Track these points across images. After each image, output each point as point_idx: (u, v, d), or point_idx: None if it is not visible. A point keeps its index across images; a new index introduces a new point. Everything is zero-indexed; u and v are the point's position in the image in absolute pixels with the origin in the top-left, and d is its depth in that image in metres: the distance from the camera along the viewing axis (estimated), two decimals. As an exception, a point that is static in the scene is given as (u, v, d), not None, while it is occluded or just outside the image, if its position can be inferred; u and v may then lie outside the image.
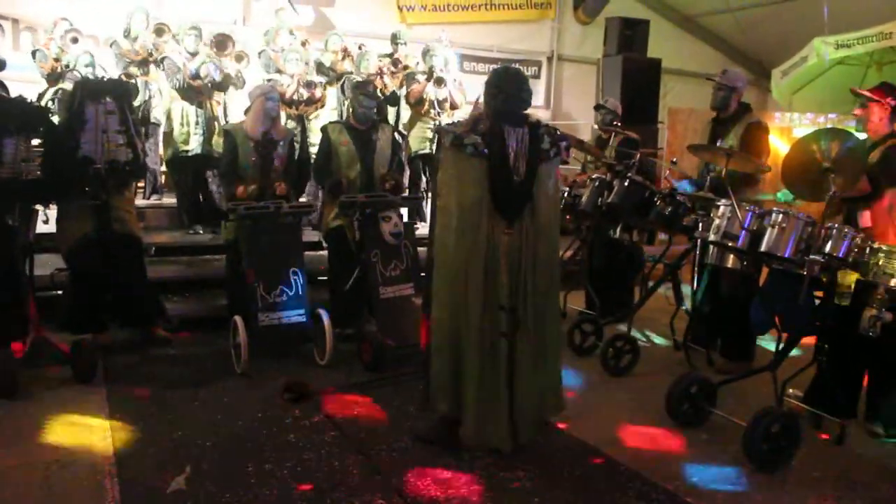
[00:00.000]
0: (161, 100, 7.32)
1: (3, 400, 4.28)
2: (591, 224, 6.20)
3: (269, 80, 7.35)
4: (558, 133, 3.88)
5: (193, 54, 7.00)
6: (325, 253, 6.21)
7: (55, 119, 5.18)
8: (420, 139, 7.70)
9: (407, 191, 7.55)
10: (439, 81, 7.58)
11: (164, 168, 8.16)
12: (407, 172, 7.59)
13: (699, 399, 4.24)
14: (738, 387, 4.45)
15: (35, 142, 4.69)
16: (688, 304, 5.49)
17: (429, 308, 3.82)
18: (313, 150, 6.42)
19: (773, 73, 10.53)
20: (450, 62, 8.03)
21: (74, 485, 3.37)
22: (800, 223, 3.87)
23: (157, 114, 7.37)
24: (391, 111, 8.14)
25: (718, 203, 4.39)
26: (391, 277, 5.30)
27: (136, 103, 6.21)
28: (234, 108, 7.49)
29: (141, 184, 7.10)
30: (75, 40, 7.02)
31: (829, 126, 7.61)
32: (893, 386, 4.13)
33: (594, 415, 4.42)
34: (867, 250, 3.80)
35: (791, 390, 4.27)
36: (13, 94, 4.90)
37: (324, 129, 5.71)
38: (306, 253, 5.49)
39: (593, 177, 5.87)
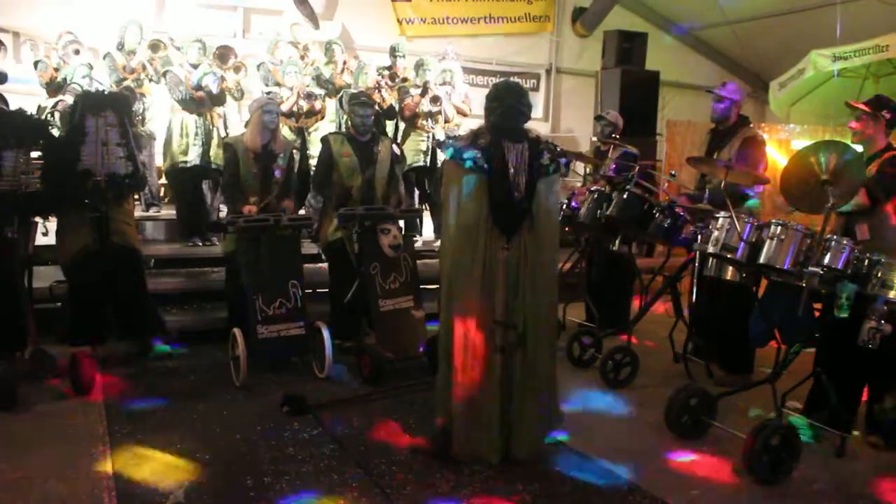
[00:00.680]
0: (153, 113, 7.34)
1: (2, 412, 4.27)
2: (591, 236, 6.21)
3: (268, 93, 7.38)
4: (558, 150, 3.90)
5: (195, 66, 7.02)
6: (324, 265, 6.21)
7: (54, 132, 5.19)
8: (414, 152, 7.71)
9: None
10: (435, 100, 7.59)
11: (161, 180, 8.18)
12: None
13: (699, 411, 4.23)
14: (738, 399, 4.44)
15: (34, 154, 4.71)
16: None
17: None
18: (313, 161, 6.43)
19: (771, 86, 10.55)
20: (456, 75, 8.04)
21: (73, 498, 3.35)
22: (798, 235, 3.87)
23: (151, 126, 7.39)
24: (389, 124, 8.14)
25: (717, 215, 4.39)
26: (390, 290, 5.30)
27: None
28: (233, 119, 7.51)
29: (137, 196, 7.09)
30: (77, 52, 7.04)
31: (827, 138, 7.62)
32: (893, 397, 4.13)
33: (593, 427, 4.40)
34: (866, 262, 3.81)
35: (791, 402, 4.27)
36: (13, 106, 4.91)
37: (325, 140, 5.72)
38: (305, 265, 5.49)
39: (592, 189, 5.88)
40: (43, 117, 6.35)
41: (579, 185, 7.00)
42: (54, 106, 6.59)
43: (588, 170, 6.92)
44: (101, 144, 4.86)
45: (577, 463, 3.90)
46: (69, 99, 6.27)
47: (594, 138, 7.67)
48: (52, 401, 4.52)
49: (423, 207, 7.89)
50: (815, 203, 3.99)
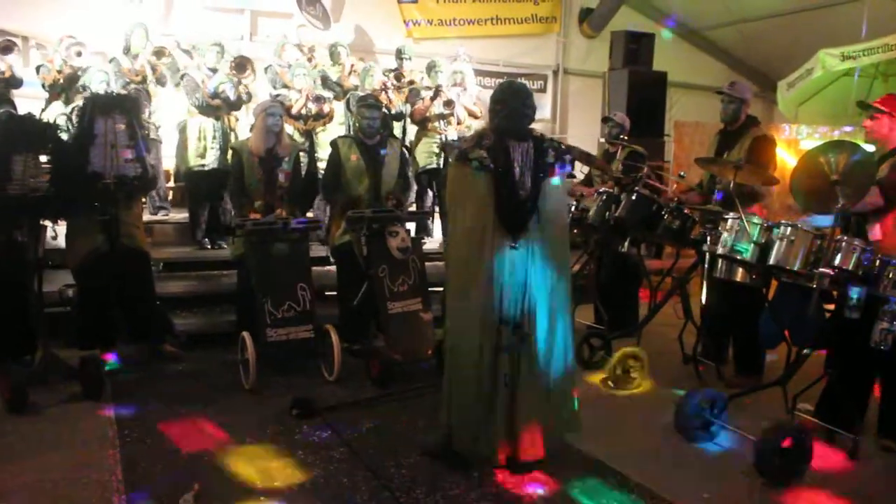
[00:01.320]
0: (159, 116, 7.36)
1: (12, 416, 4.29)
2: (599, 238, 6.19)
3: (276, 96, 7.38)
4: (562, 146, 3.88)
5: (213, 70, 7.03)
6: (332, 268, 6.21)
7: (63, 136, 5.20)
8: (427, 154, 7.72)
9: (414, 206, 7.57)
10: (448, 104, 7.59)
11: (169, 183, 8.19)
12: (414, 188, 7.60)
13: (709, 414, 4.21)
14: (749, 401, 4.42)
15: (43, 158, 4.72)
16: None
17: None
18: (322, 164, 6.42)
19: (779, 85, 10.52)
20: (467, 76, 8.04)
21: (83, 502, 3.36)
22: (808, 236, 3.85)
23: (158, 129, 7.40)
24: (397, 126, 8.15)
25: (726, 216, 4.38)
26: (399, 293, 5.29)
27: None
28: (245, 123, 7.52)
29: (144, 199, 7.10)
30: (79, 54, 7.07)
31: (836, 138, 7.61)
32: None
33: (603, 430, 4.38)
34: (877, 262, 3.78)
35: (802, 404, 4.25)
36: (22, 110, 4.93)
37: (333, 144, 5.72)
38: (314, 268, 5.49)
39: (600, 190, 5.87)
40: (52, 121, 6.37)
41: (576, 180, 6.99)
42: (72, 111, 6.61)
43: (594, 170, 6.89)
44: (109, 147, 4.86)
45: (587, 465, 3.89)
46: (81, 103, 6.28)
47: (602, 139, 7.65)
48: (61, 404, 4.52)
49: (434, 209, 7.89)
50: (825, 204, 3.97)
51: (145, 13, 8.43)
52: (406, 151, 6.46)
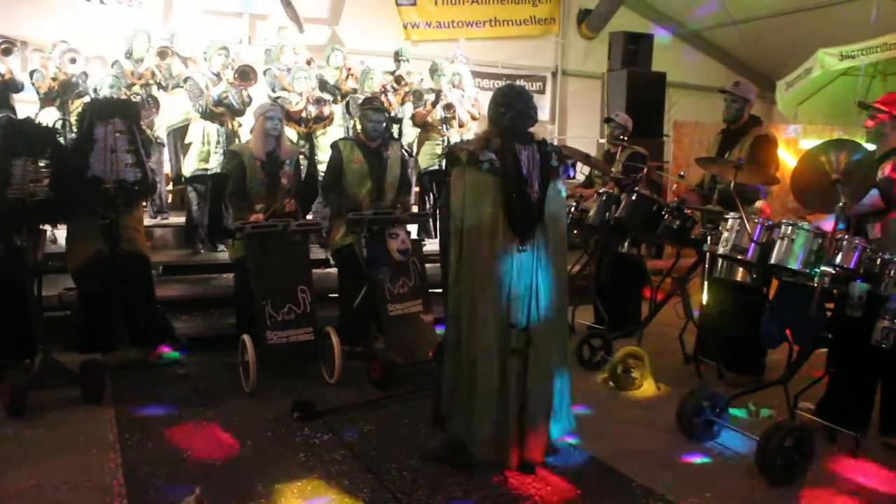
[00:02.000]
0: (162, 119, 7.36)
1: (13, 420, 4.28)
2: (599, 238, 6.19)
3: (276, 99, 7.38)
4: (560, 151, 3.92)
5: (217, 75, 7.02)
6: (333, 271, 6.21)
7: (62, 140, 5.19)
8: (430, 156, 7.72)
9: (416, 208, 7.57)
10: (449, 107, 7.60)
11: (168, 187, 8.19)
12: (415, 189, 7.61)
13: (711, 413, 4.20)
14: (750, 400, 4.41)
15: (42, 163, 4.71)
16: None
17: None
18: (322, 167, 6.42)
19: (778, 85, 10.53)
20: (465, 78, 8.04)
21: (84, 506, 3.36)
22: (809, 234, 3.85)
23: (159, 133, 7.40)
24: (394, 128, 8.14)
25: (727, 216, 4.37)
26: (399, 295, 5.29)
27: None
28: (247, 127, 7.52)
29: (145, 203, 7.10)
30: (73, 60, 7.07)
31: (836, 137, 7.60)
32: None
33: (605, 430, 4.38)
34: (878, 261, 3.78)
35: (803, 403, 4.24)
36: (21, 114, 4.92)
37: (335, 146, 5.71)
38: (314, 271, 5.49)
39: (601, 191, 5.87)
40: (52, 125, 6.37)
41: (576, 181, 6.99)
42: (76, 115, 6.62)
43: (594, 171, 6.90)
44: (109, 151, 4.86)
45: (589, 466, 3.89)
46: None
47: (602, 140, 7.65)
48: (62, 409, 4.51)
49: (436, 212, 7.88)
50: (826, 203, 3.96)
51: (144, 17, 8.44)
52: (406, 154, 6.47)
